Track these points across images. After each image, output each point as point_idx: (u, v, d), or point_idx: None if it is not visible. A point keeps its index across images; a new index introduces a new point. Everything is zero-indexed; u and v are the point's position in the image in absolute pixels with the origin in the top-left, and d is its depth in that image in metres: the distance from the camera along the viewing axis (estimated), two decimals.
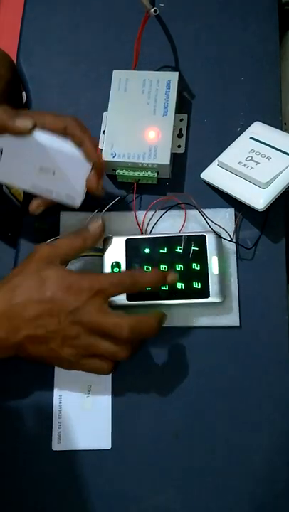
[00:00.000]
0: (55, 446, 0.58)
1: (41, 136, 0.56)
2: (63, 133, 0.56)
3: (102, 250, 0.60)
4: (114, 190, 0.65)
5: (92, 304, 0.53)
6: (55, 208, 0.64)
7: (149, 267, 0.59)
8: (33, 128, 0.54)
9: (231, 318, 0.59)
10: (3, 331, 0.53)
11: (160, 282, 0.56)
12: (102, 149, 0.63)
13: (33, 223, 0.64)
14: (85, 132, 0.56)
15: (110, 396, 0.58)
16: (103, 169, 0.60)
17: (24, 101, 0.70)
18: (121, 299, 0.58)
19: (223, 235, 0.60)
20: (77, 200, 0.59)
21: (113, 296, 0.55)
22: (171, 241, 0.59)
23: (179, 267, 0.58)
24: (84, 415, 0.58)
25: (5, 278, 0.56)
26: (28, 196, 0.66)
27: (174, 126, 0.63)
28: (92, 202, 0.64)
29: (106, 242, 0.60)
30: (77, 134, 0.56)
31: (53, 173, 0.57)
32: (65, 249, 0.56)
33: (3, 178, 0.58)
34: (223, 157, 0.62)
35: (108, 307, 0.54)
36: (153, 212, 0.63)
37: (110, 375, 0.59)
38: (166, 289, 0.58)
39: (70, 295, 0.53)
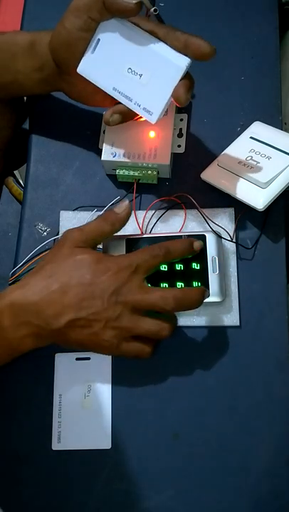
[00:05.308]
0: (55, 446, 0.58)
1: (139, 33, 0.55)
2: (164, 38, 0.54)
3: (102, 250, 0.60)
4: (114, 190, 0.65)
5: (133, 282, 0.53)
6: (55, 208, 0.64)
7: None
8: (139, 5, 0.53)
9: (231, 318, 0.59)
10: (42, 320, 0.52)
11: (189, 249, 0.56)
12: (102, 149, 0.63)
13: (33, 223, 0.64)
14: (189, 33, 0.54)
15: (110, 396, 0.58)
16: (193, 82, 0.56)
17: (25, 100, 0.70)
18: None
19: (223, 235, 0.60)
20: (154, 116, 0.56)
21: (151, 270, 0.55)
22: None
23: (179, 266, 0.58)
24: (84, 415, 0.58)
25: (37, 266, 0.55)
26: (31, 191, 0.65)
27: (174, 126, 0.63)
28: (92, 201, 0.64)
29: (106, 241, 0.60)
30: (180, 35, 0.54)
31: (139, 77, 0.55)
32: (94, 233, 0.55)
33: (89, 72, 0.57)
34: (223, 157, 0.62)
35: (148, 284, 0.54)
36: (153, 212, 0.63)
37: (110, 376, 0.59)
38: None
39: (110, 276, 0.52)
